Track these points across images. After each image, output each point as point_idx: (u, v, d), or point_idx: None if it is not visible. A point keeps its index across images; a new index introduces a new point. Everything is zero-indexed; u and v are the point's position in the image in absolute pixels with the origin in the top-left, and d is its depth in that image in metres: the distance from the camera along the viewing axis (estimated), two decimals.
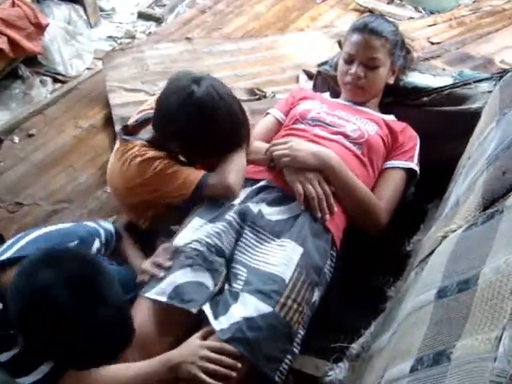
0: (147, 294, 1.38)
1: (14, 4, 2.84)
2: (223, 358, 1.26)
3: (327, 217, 1.53)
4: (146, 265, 1.47)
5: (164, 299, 1.37)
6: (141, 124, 1.70)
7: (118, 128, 2.19)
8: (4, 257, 1.25)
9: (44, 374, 1.19)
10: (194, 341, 1.29)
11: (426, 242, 1.36)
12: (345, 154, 1.64)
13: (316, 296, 1.45)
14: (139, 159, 1.59)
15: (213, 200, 1.59)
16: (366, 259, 1.64)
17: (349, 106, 1.81)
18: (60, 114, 2.50)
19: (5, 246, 1.31)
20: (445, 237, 1.17)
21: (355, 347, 1.35)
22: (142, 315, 1.36)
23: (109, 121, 2.36)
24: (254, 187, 1.61)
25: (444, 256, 1.07)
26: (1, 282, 1.20)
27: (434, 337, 0.89)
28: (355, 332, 1.43)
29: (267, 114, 1.94)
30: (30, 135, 2.43)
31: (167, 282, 1.39)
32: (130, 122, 1.75)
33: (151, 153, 1.60)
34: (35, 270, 1.10)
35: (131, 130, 1.70)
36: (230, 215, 1.53)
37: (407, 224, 1.62)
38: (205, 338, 1.30)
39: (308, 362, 1.45)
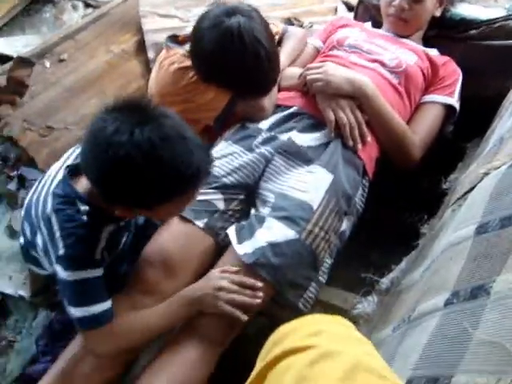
0: None
1: None
2: (245, 287, 1.26)
3: (359, 145, 1.49)
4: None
5: None
6: (190, 37, 1.66)
7: (150, 54, 2.15)
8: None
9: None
10: (213, 273, 1.29)
11: (464, 180, 1.32)
12: (381, 82, 1.58)
13: (345, 225, 1.42)
14: (176, 66, 1.58)
15: (242, 125, 1.57)
16: (400, 195, 1.61)
17: (390, 36, 1.73)
18: (91, 40, 2.44)
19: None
20: (487, 173, 1.13)
21: (385, 282, 1.34)
22: (166, 234, 1.37)
23: (141, 47, 2.30)
24: (285, 113, 1.57)
25: (486, 192, 1.04)
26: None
27: (471, 271, 0.87)
28: (385, 267, 1.42)
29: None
30: (61, 60, 2.38)
31: None
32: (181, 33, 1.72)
33: (189, 63, 1.56)
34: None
35: (179, 40, 1.68)
36: (259, 141, 1.50)
37: (444, 162, 1.58)
38: (224, 271, 1.29)
39: (336, 294, 1.45)
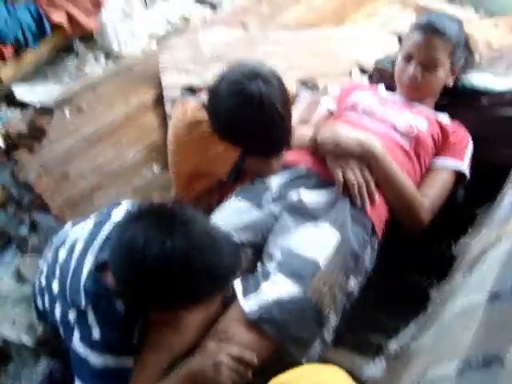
0: None
1: None
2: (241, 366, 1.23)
3: (367, 205, 1.50)
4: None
5: None
6: (205, 89, 1.71)
7: (168, 108, 2.20)
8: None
9: None
10: (211, 347, 1.26)
11: (475, 245, 1.32)
12: (391, 145, 1.61)
13: (352, 284, 1.42)
14: (190, 118, 1.62)
15: (251, 181, 1.61)
16: (410, 257, 1.61)
17: (402, 101, 1.77)
18: (111, 91, 2.51)
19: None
20: (498, 240, 1.13)
21: (393, 346, 1.32)
22: None
23: (159, 101, 2.35)
24: (294, 171, 1.59)
25: (497, 259, 1.04)
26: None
27: (484, 339, 0.86)
28: (393, 330, 1.40)
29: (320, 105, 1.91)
30: (81, 109, 2.45)
31: None
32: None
33: (203, 115, 1.59)
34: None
35: (194, 91, 1.72)
36: (268, 198, 1.51)
37: (455, 226, 1.58)
38: (221, 339, 1.27)
39: (343, 356, 1.43)
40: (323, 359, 1.35)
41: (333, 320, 1.37)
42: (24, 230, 2.09)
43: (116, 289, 1.19)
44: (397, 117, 1.69)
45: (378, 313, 1.55)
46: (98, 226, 1.33)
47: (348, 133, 1.58)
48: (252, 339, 1.26)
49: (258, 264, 1.42)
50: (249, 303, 1.29)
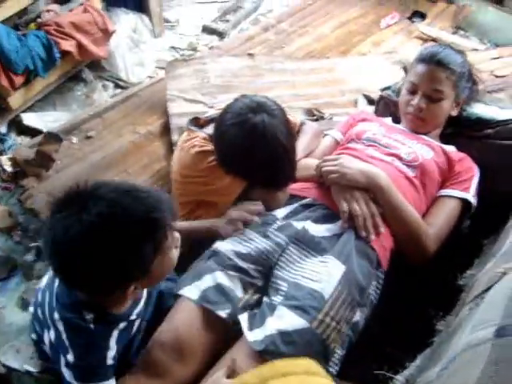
0: (180, 291, 1.40)
1: (85, 10, 2.94)
2: None
3: (372, 236, 1.50)
4: (235, 213, 1.55)
5: (193, 297, 1.37)
6: (211, 120, 1.72)
7: (174, 137, 2.22)
8: None
9: None
10: (220, 381, 1.23)
11: (481, 278, 1.31)
12: (396, 175, 1.61)
13: (358, 316, 1.41)
14: (197, 149, 1.63)
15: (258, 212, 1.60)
16: (415, 289, 1.60)
17: (407, 132, 1.78)
18: (119, 119, 2.54)
19: None
20: (505, 273, 1.13)
21: (399, 379, 1.30)
22: (183, 317, 1.36)
23: (166, 129, 2.38)
24: (300, 203, 1.60)
25: (504, 293, 1.03)
26: None
27: (492, 376, 0.85)
28: (399, 363, 1.39)
29: (326, 135, 1.93)
30: (88, 137, 2.47)
31: (197, 283, 1.40)
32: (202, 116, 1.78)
33: (210, 147, 1.61)
34: None
35: (199, 123, 1.74)
36: (273, 230, 1.52)
37: (460, 257, 1.58)
38: (229, 375, 1.24)
39: None
40: None
41: (338, 353, 1.35)
42: (30, 257, 2.09)
43: (83, 298, 1.17)
44: (402, 146, 1.70)
45: (383, 345, 1.54)
46: None
47: (353, 164, 1.58)
48: None
49: (264, 298, 1.42)
50: (254, 335, 1.29)
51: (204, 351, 1.33)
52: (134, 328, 1.32)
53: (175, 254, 1.24)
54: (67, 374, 1.17)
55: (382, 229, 1.51)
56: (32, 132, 2.74)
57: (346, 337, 1.37)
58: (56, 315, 1.19)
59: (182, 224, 1.49)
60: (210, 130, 1.67)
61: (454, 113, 1.78)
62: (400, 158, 1.66)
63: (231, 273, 1.43)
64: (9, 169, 2.46)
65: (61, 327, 1.18)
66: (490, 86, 2.45)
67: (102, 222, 1.03)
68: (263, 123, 1.42)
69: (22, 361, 1.76)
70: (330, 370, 1.33)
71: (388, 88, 2.02)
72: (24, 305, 1.95)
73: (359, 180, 1.54)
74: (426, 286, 1.60)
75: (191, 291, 1.39)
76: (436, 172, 1.66)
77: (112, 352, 1.20)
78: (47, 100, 2.95)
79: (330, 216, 1.54)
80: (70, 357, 1.16)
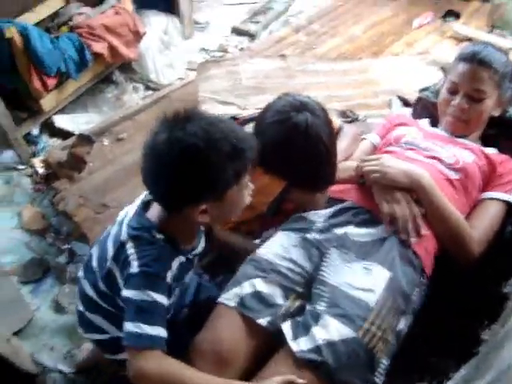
0: (219, 299, 1.38)
1: (116, 12, 2.94)
2: None
3: (413, 239, 1.44)
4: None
5: (232, 304, 1.35)
6: (249, 120, 1.68)
7: None
8: None
9: None
10: None
11: None
12: (438, 177, 1.55)
13: (402, 325, 1.36)
14: None
15: (299, 216, 1.56)
16: (459, 296, 1.55)
17: (446, 136, 1.73)
18: (150, 121, 2.47)
19: None
20: None
21: None
22: (224, 325, 1.33)
23: None
24: (340, 206, 1.54)
25: None
26: None
27: None
28: (442, 374, 1.34)
29: (363, 139, 1.89)
30: (120, 139, 2.47)
31: (236, 290, 1.38)
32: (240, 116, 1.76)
33: None
34: None
35: (237, 123, 1.71)
36: (315, 233, 1.48)
37: (504, 264, 1.52)
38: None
39: None
40: None
41: (384, 363, 1.31)
42: (62, 260, 2.09)
43: (157, 222, 1.23)
44: (442, 150, 1.65)
45: (425, 354, 1.49)
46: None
47: (395, 163, 1.54)
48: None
49: (307, 305, 1.38)
50: (298, 345, 1.25)
51: (244, 360, 1.30)
52: (188, 276, 1.37)
53: (247, 196, 1.30)
54: (126, 292, 1.19)
55: (424, 231, 1.47)
56: (64, 134, 2.75)
57: (391, 346, 1.32)
58: (123, 237, 1.23)
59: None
60: (247, 129, 1.64)
61: (497, 113, 1.72)
62: (441, 161, 1.61)
63: (271, 278, 1.39)
64: (41, 171, 2.48)
65: (128, 244, 1.21)
66: None
67: (203, 134, 1.12)
68: (306, 122, 1.38)
69: (56, 360, 1.77)
70: (376, 381, 1.29)
71: (426, 89, 1.97)
72: (57, 308, 1.95)
73: (401, 180, 1.50)
74: (468, 293, 1.55)
75: (230, 299, 1.36)
76: (478, 175, 1.61)
77: (172, 271, 1.23)
78: (79, 102, 2.96)
79: (372, 220, 1.50)
80: (134, 268, 1.18)
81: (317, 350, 1.22)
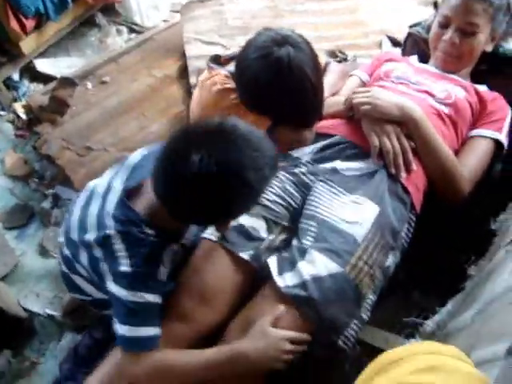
0: (203, 234, 1.37)
1: None
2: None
3: (403, 174, 1.42)
4: None
5: (214, 239, 1.33)
6: (232, 58, 1.63)
7: (192, 79, 2.14)
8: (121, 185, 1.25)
9: None
10: (272, 334, 1.19)
11: None
12: (429, 112, 1.51)
13: (390, 261, 1.35)
14: (218, 87, 1.54)
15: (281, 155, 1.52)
16: (446, 233, 1.54)
17: (437, 72, 1.68)
18: (134, 63, 2.45)
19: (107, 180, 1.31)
20: None
21: (430, 324, 1.26)
22: (206, 262, 1.32)
23: (183, 72, 2.30)
24: (328, 141, 1.50)
25: None
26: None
27: None
28: (429, 309, 1.34)
29: (351, 75, 1.83)
30: (104, 82, 2.39)
31: None
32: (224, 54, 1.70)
33: (232, 84, 1.53)
34: None
35: (220, 62, 1.66)
36: (300, 169, 1.45)
37: (492, 202, 1.51)
38: (275, 321, 1.22)
39: (377, 335, 1.38)
40: (357, 337, 1.29)
41: (371, 299, 1.31)
42: (47, 204, 2.06)
43: (145, 215, 1.19)
44: (433, 84, 1.60)
45: (412, 289, 1.49)
46: (118, 169, 1.33)
47: (386, 95, 1.49)
48: (287, 318, 1.21)
49: (294, 240, 1.36)
50: (284, 281, 1.24)
51: (230, 295, 1.29)
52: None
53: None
54: (115, 287, 1.17)
55: (414, 166, 1.44)
56: (45, 78, 2.67)
57: (378, 282, 1.31)
58: (110, 231, 1.18)
59: None
60: (231, 67, 1.58)
61: (489, 48, 1.67)
62: (433, 96, 1.57)
63: (255, 211, 1.37)
64: (23, 116, 2.42)
65: (116, 240, 1.17)
66: None
67: (235, 166, 1.05)
68: (289, 56, 1.33)
69: (43, 305, 1.76)
70: (363, 316, 1.29)
71: (417, 25, 1.91)
72: (43, 252, 1.93)
73: (392, 112, 1.45)
74: (456, 230, 1.54)
75: (213, 233, 1.34)
76: (468, 111, 1.57)
77: (163, 269, 1.21)
78: (60, 46, 2.86)
79: (360, 154, 1.46)
80: (124, 267, 1.15)
81: (303, 285, 1.21)
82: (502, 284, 1.02)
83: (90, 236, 1.22)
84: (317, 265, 1.23)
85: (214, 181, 1.04)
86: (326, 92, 1.58)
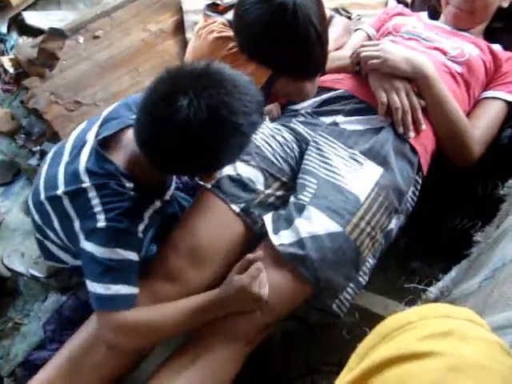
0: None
1: None
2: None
3: (411, 134, 1.34)
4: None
5: (209, 186, 1.27)
6: (231, 6, 1.54)
7: (189, 34, 2.05)
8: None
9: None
10: (234, 279, 1.14)
11: None
12: (441, 70, 1.44)
13: (393, 224, 1.28)
14: (215, 35, 1.45)
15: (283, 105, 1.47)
16: (452, 198, 1.47)
17: (449, 29, 1.59)
18: (128, 18, 2.34)
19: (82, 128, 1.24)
20: None
21: (433, 291, 1.20)
22: (197, 216, 1.25)
23: (179, 27, 2.20)
24: (331, 94, 1.43)
25: None
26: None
27: None
28: (432, 275, 1.28)
29: (357, 29, 1.74)
30: (96, 37, 2.29)
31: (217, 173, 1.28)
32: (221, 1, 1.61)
33: (230, 33, 1.44)
34: None
35: (218, 9, 1.56)
36: (299, 120, 1.37)
37: (501, 167, 1.44)
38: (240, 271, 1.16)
39: (376, 301, 1.32)
40: (354, 304, 1.23)
41: (370, 262, 1.24)
42: (34, 161, 1.98)
43: (125, 168, 1.11)
44: (446, 41, 1.52)
45: (415, 255, 1.43)
46: (90, 122, 1.25)
47: (396, 49, 1.41)
48: (282, 278, 1.14)
49: (291, 197, 1.28)
50: (280, 238, 1.17)
51: (223, 254, 1.21)
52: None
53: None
54: (89, 245, 1.08)
55: (424, 126, 1.36)
56: (35, 32, 2.53)
57: (378, 245, 1.24)
58: (85, 184, 1.10)
59: None
60: (230, 15, 1.49)
61: (505, 4, 1.58)
62: (445, 53, 1.48)
63: (255, 162, 1.29)
64: (11, 70, 2.31)
65: (92, 194, 1.09)
66: None
67: (209, 112, 0.98)
68: (294, 1, 1.24)
69: (27, 265, 1.69)
70: (360, 280, 1.22)
71: None
72: (28, 210, 1.86)
73: (402, 67, 1.37)
74: (463, 196, 1.47)
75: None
76: (482, 71, 1.49)
77: (144, 223, 1.14)
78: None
79: (366, 110, 1.38)
80: (101, 222, 1.07)
81: (300, 243, 1.14)
82: (509, 253, 0.95)
83: (60, 191, 1.14)
84: (315, 223, 1.16)
85: (204, 126, 0.97)
86: (330, 46, 1.49)
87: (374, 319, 1.18)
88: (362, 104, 1.39)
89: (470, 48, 1.50)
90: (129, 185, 1.11)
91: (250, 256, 1.15)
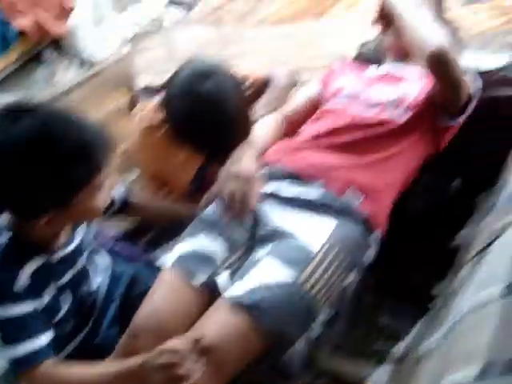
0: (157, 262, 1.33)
1: None
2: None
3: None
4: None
5: (169, 264, 1.28)
6: (163, 87, 1.61)
7: None
8: None
9: None
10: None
11: (479, 235, 1.23)
12: (382, 127, 1.46)
13: (349, 280, 1.30)
14: (144, 124, 1.56)
15: None
16: (409, 254, 1.51)
17: (391, 73, 1.64)
18: (84, 98, 2.41)
19: None
20: (504, 229, 1.05)
21: (399, 349, 1.22)
22: (159, 296, 1.25)
23: (135, 105, 2.26)
24: (267, 172, 1.45)
25: (508, 247, 0.95)
26: None
27: (505, 339, 0.76)
28: (395, 333, 1.31)
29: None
30: None
31: (177, 247, 1.32)
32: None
33: (159, 120, 1.53)
34: None
35: (153, 91, 1.64)
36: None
37: (451, 219, 1.50)
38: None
39: (345, 362, 1.33)
40: (324, 369, 1.25)
41: (324, 314, 1.25)
42: None
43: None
44: (385, 92, 1.55)
45: (377, 314, 1.46)
46: None
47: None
48: (232, 330, 1.12)
49: (251, 255, 1.31)
50: (232, 290, 1.18)
51: (188, 325, 1.20)
52: (68, 275, 1.22)
53: (102, 199, 1.16)
54: None
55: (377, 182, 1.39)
56: None
57: (333, 299, 1.26)
58: None
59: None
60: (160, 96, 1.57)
61: None
62: (384, 106, 1.51)
63: (216, 233, 1.33)
64: None
65: None
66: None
67: (31, 138, 1.00)
68: (209, 91, 1.35)
69: None
70: (313, 333, 1.23)
71: (367, 44, 1.91)
72: None
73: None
74: (420, 250, 1.52)
75: (168, 258, 1.29)
76: (429, 107, 1.50)
77: (22, 280, 1.09)
78: (7, 82, 2.80)
79: (303, 182, 1.40)
80: None
81: (250, 294, 1.14)
82: (466, 304, 0.99)
83: None
84: (268, 272, 1.18)
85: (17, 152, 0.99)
86: (264, 107, 1.60)
87: (347, 382, 1.21)
88: (299, 178, 1.41)
89: (413, 86, 1.54)
90: (5, 233, 1.10)
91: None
